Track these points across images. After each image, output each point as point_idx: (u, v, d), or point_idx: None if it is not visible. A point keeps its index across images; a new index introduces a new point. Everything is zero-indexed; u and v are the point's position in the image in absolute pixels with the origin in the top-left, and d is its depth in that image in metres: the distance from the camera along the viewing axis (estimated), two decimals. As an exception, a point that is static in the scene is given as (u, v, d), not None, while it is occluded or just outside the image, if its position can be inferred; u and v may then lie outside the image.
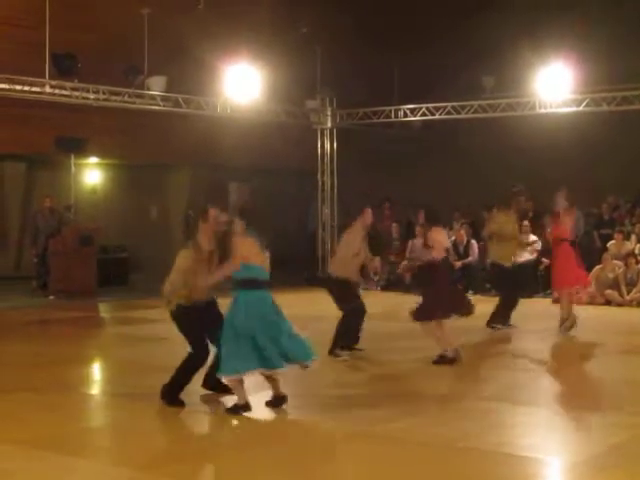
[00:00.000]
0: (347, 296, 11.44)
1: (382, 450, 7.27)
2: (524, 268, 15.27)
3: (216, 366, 8.76)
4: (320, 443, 7.58)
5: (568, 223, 13.74)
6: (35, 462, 6.98)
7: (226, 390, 8.95)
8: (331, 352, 11.28)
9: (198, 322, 8.77)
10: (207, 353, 8.88)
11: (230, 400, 8.64)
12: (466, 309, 11.01)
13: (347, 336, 11.44)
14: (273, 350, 8.33)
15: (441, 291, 10.83)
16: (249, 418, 8.35)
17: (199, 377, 9.03)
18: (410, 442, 7.45)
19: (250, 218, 8.60)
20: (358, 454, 7.22)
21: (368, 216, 11.54)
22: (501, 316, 13.50)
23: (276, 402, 8.60)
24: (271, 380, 8.58)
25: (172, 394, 8.82)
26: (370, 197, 16.70)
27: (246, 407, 8.41)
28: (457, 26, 21.28)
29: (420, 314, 10.83)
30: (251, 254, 8.45)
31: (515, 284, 13.85)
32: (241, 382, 8.46)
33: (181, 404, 8.77)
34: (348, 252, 11.48)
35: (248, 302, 8.38)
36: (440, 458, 7.06)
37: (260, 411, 8.47)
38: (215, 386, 9.11)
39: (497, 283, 14.53)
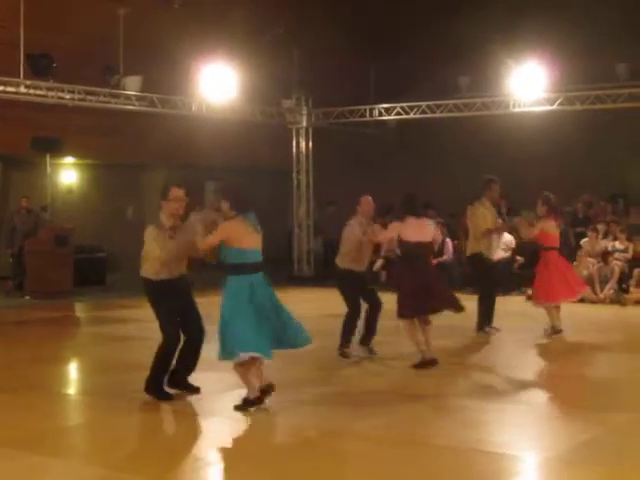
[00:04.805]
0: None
1: (357, 447, 7.32)
2: (499, 266, 15.24)
3: (182, 363, 8.85)
4: (297, 440, 7.61)
5: (551, 229, 13.24)
6: (10, 462, 6.98)
7: (192, 389, 9.01)
8: (341, 352, 11.16)
9: (166, 299, 8.76)
10: (177, 333, 8.84)
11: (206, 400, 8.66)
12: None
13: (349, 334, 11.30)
14: (264, 336, 8.21)
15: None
16: (225, 416, 8.38)
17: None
18: (384, 439, 7.50)
19: (236, 198, 8.55)
20: (334, 452, 7.27)
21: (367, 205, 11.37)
22: (486, 317, 13.27)
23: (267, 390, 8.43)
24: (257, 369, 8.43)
25: (156, 387, 8.84)
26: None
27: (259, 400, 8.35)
28: (433, 26, 21.38)
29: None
30: (239, 237, 8.34)
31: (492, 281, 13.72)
32: (248, 370, 8.32)
33: (168, 397, 8.81)
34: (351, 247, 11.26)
35: (236, 287, 8.28)
36: (414, 455, 7.12)
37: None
38: (180, 384, 9.09)
39: (478, 275, 13.85)
